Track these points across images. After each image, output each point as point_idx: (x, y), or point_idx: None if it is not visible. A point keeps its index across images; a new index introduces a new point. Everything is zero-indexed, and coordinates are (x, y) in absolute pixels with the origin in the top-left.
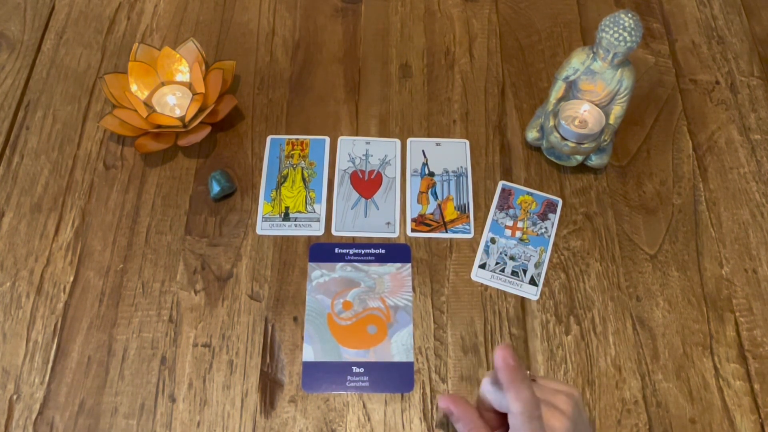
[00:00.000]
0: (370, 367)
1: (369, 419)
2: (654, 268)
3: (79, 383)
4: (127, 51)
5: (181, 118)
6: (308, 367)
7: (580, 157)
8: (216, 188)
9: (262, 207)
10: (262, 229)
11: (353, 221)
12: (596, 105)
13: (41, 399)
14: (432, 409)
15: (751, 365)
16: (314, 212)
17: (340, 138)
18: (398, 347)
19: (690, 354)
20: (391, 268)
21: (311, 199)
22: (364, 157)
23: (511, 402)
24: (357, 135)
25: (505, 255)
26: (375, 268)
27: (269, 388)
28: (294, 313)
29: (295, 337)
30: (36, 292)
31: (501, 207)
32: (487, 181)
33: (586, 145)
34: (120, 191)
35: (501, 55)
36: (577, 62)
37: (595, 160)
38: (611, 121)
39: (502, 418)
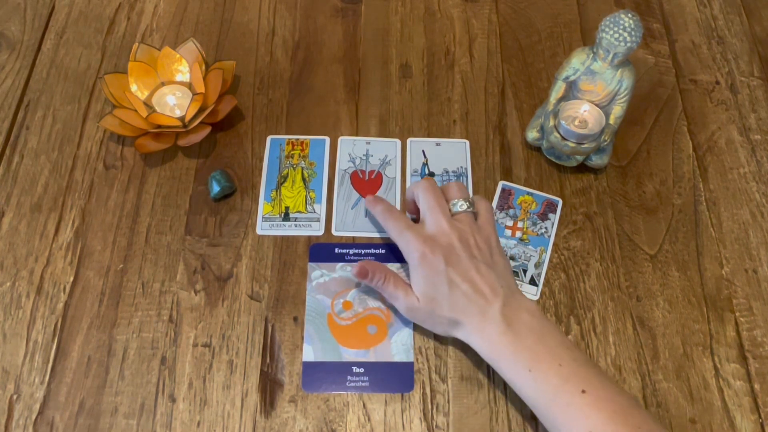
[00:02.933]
0: (370, 367)
1: (369, 419)
2: (654, 268)
3: (79, 383)
4: (127, 51)
5: (181, 118)
6: (308, 367)
7: (580, 157)
8: (216, 188)
9: (262, 207)
10: (262, 229)
11: (353, 221)
12: (596, 105)
13: (41, 399)
14: (432, 409)
15: (751, 365)
16: (314, 212)
17: (341, 138)
18: (398, 347)
19: (690, 354)
20: (391, 268)
21: (311, 199)
22: (364, 157)
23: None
24: (357, 135)
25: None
26: None
27: (269, 388)
28: (294, 313)
29: (295, 337)
30: (36, 292)
31: (501, 207)
32: (487, 181)
33: (586, 145)
34: (120, 191)
35: (501, 55)
36: (577, 62)
37: (595, 160)
38: (611, 121)
39: None
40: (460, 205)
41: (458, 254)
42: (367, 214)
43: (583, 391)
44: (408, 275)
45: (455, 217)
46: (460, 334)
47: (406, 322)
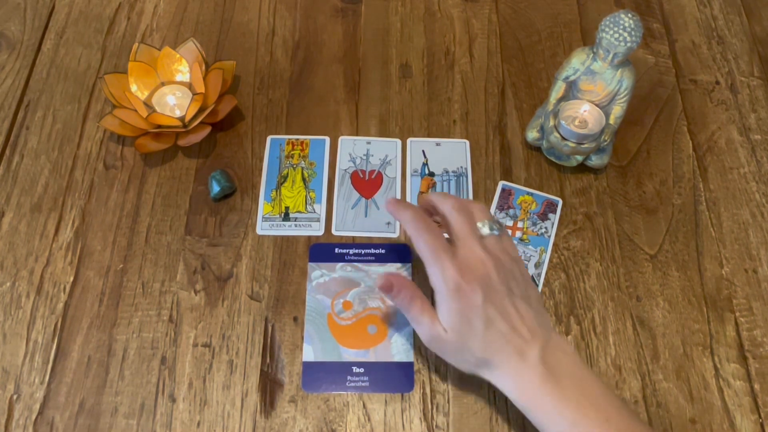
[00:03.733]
0: (370, 367)
1: (369, 419)
2: (654, 268)
3: (79, 383)
4: (127, 51)
5: (181, 118)
6: (308, 367)
7: (580, 157)
8: (216, 188)
9: (262, 207)
10: (262, 229)
11: (353, 221)
12: (596, 105)
13: (41, 399)
14: (432, 409)
15: (751, 365)
16: (314, 212)
17: (341, 138)
18: (398, 347)
19: (690, 354)
20: (391, 268)
21: (311, 199)
22: (364, 157)
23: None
24: (357, 135)
25: None
26: (375, 268)
27: (269, 388)
28: (294, 313)
29: (295, 337)
30: (36, 292)
31: (501, 207)
32: (487, 181)
33: (586, 145)
34: (120, 191)
35: (501, 55)
36: (577, 62)
37: (595, 160)
38: (611, 121)
39: None
40: (489, 228)
41: (496, 288)
42: (367, 214)
43: None
44: (430, 295)
45: (485, 241)
46: (490, 376)
47: (406, 322)
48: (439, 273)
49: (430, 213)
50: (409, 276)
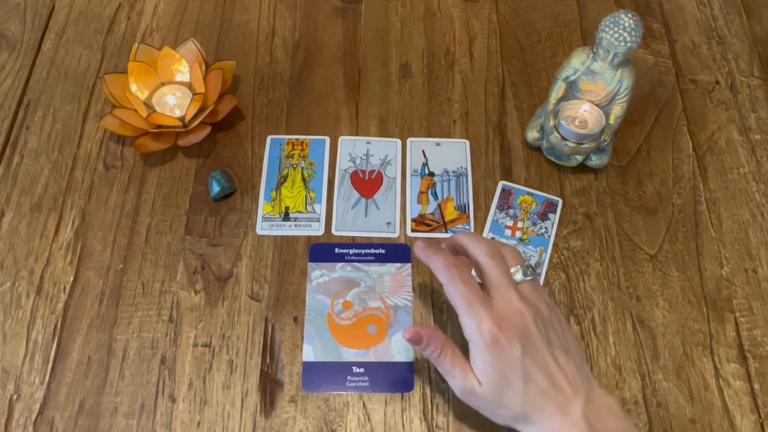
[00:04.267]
0: (370, 367)
1: (369, 419)
2: (654, 268)
3: (79, 383)
4: (127, 51)
5: (181, 118)
6: (308, 367)
7: (580, 157)
8: (216, 188)
9: (262, 207)
10: (262, 229)
11: (353, 221)
12: (596, 105)
13: (41, 399)
14: (432, 409)
15: (751, 365)
16: (314, 212)
17: (341, 138)
18: (398, 347)
19: (690, 354)
20: (391, 268)
21: (311, 199)
22: (365, 157)
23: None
24: (357, 135)
25: None
26: (375, 268)
27: (269, 388)
28: (294, 313)
29: (295, 337)
30: (36, 292)
31: (501, 207)
32: (487, 181)
33: (586, 145)
34: (120, 191)
35: (501, 55)
36: (577, 62)
37: (595, 160)
38: (611, 121)
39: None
40: (522, 274)
41: (535, 341)
42: (367, 214)
43: None
44: (461, 345)
45: (520, 289)
46: (529, 431)
47: (406, 322)
48: (475, 325)
49: (456, 251)
50: (409, 277)
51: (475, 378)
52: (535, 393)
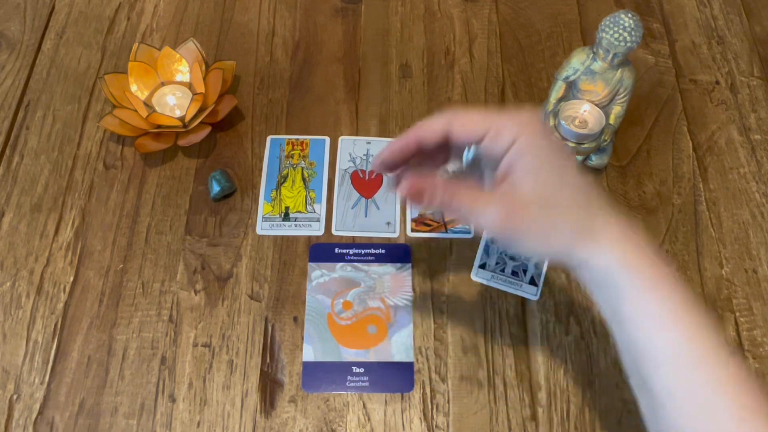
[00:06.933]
0: (370, 367)
1: (369, 419)
2: None
3: (79, 383)
4: (127, 51)
5: (181, 118)
6: (308, 367)
7: (580, 157)
8: (216, 188)
9: (262, 207)
10: (262, 229)
11: (353, 221)
12: (596, 105)
13: (41, 399)
14: (432, 409)
15: (751, 365)
16: (314, 212)
17: (341, 138)
18: (398, 347)
19: None
20: (391, 268)
21: (311, 199)
22: (364, 157)
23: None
24: (357, 135)
25: (506, 255)
26: (375, 268)
27: (269, 388)
28: (294, 313)
29: (295, 337)
30: (36, 292)
31: None
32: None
33: (586, 145)
34: (120, 191)
35: (501, 55)
36: (577, 62)
37: (595, 160)
38: (611, 121)
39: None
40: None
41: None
42: (367, 214)
43: None
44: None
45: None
46: (591, 250)
47: (406, 322)
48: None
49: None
50: (409, 277)
51: (512, 193)
52: (596, 189)
